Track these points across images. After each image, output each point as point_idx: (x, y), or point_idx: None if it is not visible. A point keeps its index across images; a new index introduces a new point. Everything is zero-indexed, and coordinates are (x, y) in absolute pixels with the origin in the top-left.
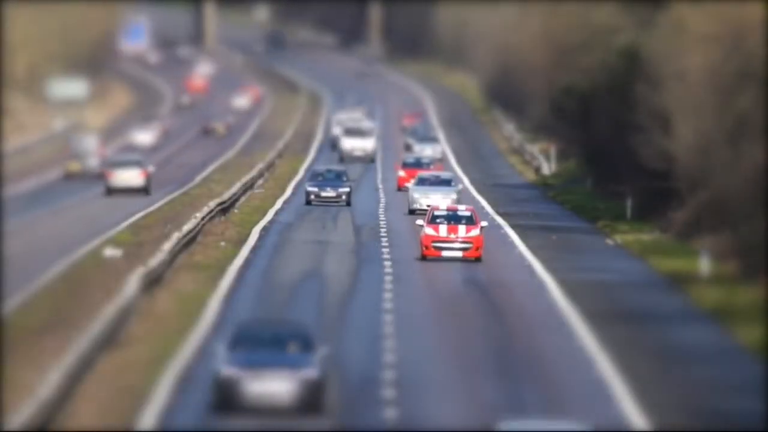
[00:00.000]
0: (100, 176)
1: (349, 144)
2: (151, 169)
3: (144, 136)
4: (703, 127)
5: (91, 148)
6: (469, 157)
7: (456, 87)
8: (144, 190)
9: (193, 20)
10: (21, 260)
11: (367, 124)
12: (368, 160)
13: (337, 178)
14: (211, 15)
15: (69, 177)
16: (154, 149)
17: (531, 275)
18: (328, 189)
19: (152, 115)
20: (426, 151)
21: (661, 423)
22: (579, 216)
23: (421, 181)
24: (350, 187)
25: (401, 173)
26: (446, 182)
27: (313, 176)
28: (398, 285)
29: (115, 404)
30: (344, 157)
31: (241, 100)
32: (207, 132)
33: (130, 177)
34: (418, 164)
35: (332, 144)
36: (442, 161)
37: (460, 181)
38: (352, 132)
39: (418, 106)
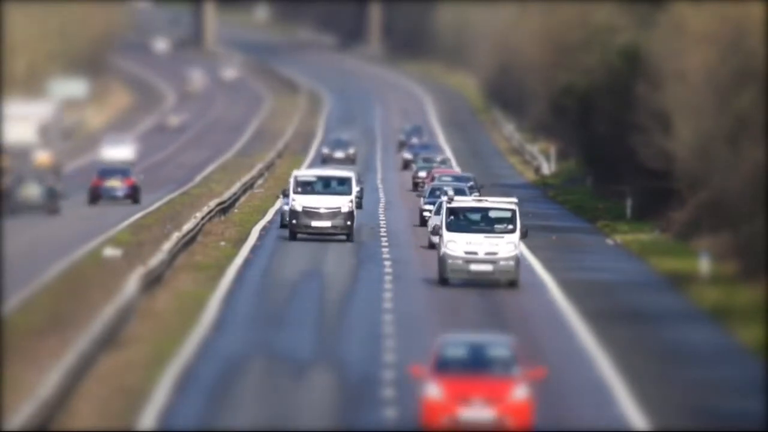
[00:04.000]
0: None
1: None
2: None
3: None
4: (703, 127)
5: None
6: (469, 157)
7: (456, 87)
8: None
9: (193, 20)
10: (21, 260)
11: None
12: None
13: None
14: (211, 15)
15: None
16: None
17: (531, 275)
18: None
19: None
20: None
21: (661, 423)
22: (579, 216)
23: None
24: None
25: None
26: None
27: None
28: (398, 284)
29: (115, 404)
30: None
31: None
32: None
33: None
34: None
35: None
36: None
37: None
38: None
39: (417, 104)
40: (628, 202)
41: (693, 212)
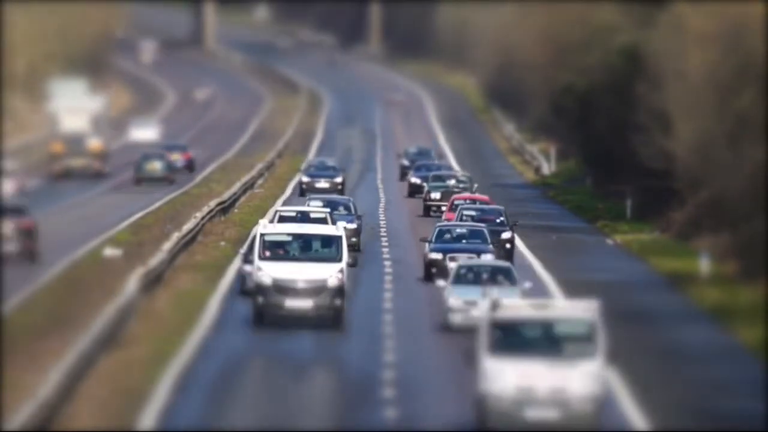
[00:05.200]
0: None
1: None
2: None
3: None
4: (703, 127)
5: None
6: (468, 157)
7: (456, 87)
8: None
9: (193, 20)
10: (21, 260)
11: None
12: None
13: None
14: (211, 15)
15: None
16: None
17: (531, 275)
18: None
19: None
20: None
21: (661, 423)
22: (579, 216)
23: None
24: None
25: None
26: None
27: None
28: (398, 284)
29: (115, 404)
30: None
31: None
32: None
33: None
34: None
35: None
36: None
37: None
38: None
39: (417, 103)
40: (628, 202)
41: (693, 212)
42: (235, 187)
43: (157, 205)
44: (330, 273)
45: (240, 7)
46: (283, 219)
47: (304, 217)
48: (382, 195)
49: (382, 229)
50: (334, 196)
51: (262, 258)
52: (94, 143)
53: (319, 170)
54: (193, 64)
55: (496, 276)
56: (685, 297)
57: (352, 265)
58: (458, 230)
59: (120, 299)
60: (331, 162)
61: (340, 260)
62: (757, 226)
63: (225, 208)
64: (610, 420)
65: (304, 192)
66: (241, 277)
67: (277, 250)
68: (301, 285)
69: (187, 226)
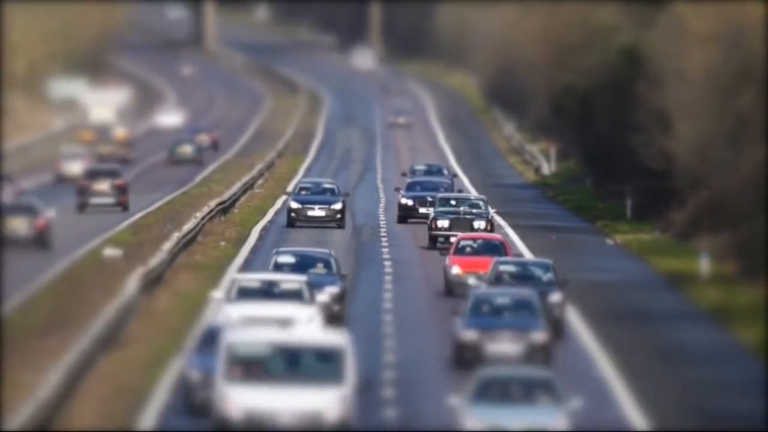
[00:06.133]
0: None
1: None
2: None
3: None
4: (703, 127)
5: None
6: (468, 157)
7: (456, 87)
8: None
9: (193, 20)
10: (21, 260)
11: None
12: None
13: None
14: (211, 15)
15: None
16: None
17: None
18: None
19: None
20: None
21: (661, 423)
22: (579, 216)
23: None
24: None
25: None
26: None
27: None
28: (398, 284)
29: (115, 404)
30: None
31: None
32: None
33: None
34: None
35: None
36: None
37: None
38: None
39: (417, 103)
40: (628, 202)
41: (693, 212)
42: (235, 187)
43: (157, 205)
44: (328, 401)
45: (240, 7)
46: (243, 293)
47: (269, 289)
48: (382, 195)
49: (382, 229)
50: (309, 251)
51: (229, 378)
52: (120, 132)
53: (314, 194)
54: (193, 64)
55: (532, 391)
56: (685, 297)
57: (364, 390)
58: (499, 299)
59: (120, 299)
60: (328, 183)
61: (342, 383)
62: (757, 226)
63: (225, 208)
64: (610, 420)
65: (292, 221)
66: (185, 387)
67: (251, 367)
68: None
69: (187, 226)
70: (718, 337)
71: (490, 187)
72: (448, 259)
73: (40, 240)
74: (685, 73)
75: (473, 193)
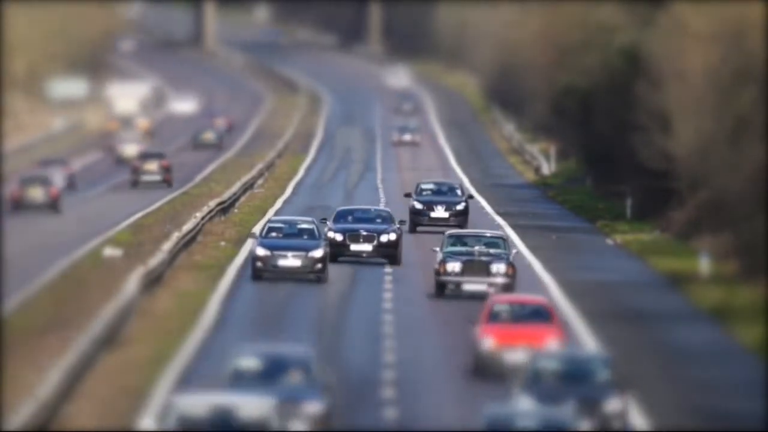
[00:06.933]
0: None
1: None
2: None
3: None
4: (703, 127)
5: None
6: (468, 157)
7: (456, 87)
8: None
9: (193, 20)
10: (21, 260)
11: None
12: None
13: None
14: (211, 15)
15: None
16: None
17: (531, 275)
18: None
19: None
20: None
21: (661, 423)
22: (579, 216)
23: None
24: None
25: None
26: None
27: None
28: (398, 285)
29: (115, 404)
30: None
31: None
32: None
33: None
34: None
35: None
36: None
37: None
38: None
39: (416, 103)
40: (628, 202)
41: (693, 212)
42: (235, 187)
43: (157, 205)
44: None
45: (240, 7)
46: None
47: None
48: (382, 195)
49: None
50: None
51: None
52: (143, 122)
53: (286, 236)
54: (193, 63)
55: None
56: (685, 297)
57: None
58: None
59: (120, 299)
60: (305, 223)
61: None
62: (757, 226)
63: (225, 208)
64: None
65: (259, 273)
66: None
67: None
68: None
69: (187, 226)
70: (718, 337)
71: (490, 186)
72: (479, 326)
73: (54, 206)
74: (685, 73)
75: (489, 230)
